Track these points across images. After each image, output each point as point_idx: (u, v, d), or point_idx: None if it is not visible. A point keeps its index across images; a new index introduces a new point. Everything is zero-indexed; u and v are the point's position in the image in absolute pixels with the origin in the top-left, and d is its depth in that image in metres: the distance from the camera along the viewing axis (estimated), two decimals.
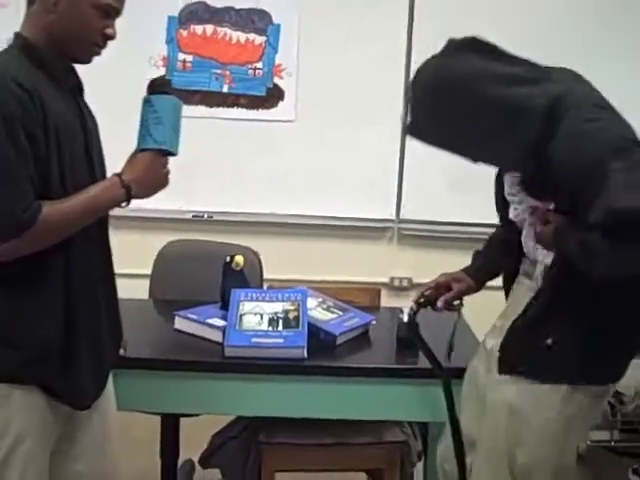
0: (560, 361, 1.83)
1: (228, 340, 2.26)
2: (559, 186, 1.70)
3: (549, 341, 1.82)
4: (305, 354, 2.26)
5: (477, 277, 2.28)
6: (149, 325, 2.65)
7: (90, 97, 1.97)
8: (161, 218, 4.14)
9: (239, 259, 2.53)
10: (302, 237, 4.31)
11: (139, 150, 1.85)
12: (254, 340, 2.26)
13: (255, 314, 2.36)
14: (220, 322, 2.40)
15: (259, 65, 4.32)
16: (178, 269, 3.06)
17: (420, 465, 2.66)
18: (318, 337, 2.38)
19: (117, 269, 1.96)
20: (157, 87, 1.91)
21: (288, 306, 2.41)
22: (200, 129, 4.28)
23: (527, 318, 1.89)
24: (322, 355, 2.34)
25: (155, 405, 2.37)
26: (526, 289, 1.98)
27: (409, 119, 1.84)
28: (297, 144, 4.28)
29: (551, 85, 1.74)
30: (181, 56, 4.30)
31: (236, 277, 2.53)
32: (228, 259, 2.54)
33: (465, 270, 2.30)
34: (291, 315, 2.36)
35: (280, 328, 2.32)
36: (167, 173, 1.88)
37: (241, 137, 4.28)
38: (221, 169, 4.27)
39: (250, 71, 4.32)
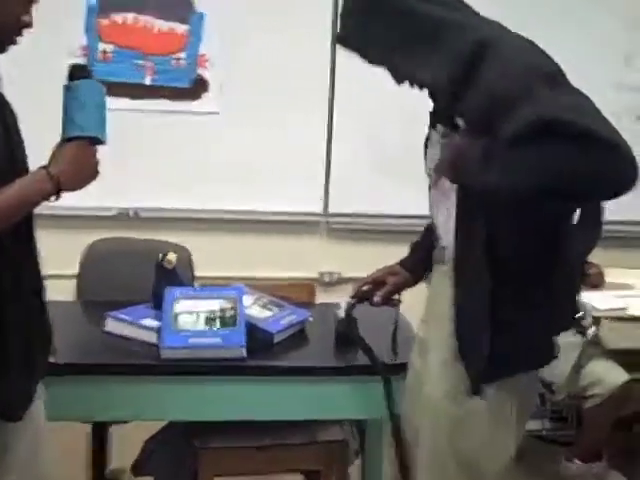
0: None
1: (164, 341, 2.17)
2: (481, 112, 1.62)
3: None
4: (244, 353, 2.18)
5: (414, 270, 2.21)
6: (78, 328, 2.52)
7: (8, 90, 1.84)
8: (83, 216, 4.00)
9: (171, 257, 2.44)
10: (231, 233, 4.22)
11: (64, 140, 1.74)
12: (191, 341, 2.18)
13: (191, 313, 2.27)
14: (154, 323, 2.30)
15: (182, 55, 4.20)
16: (106, 269, 2.95)
17: (358, 463, 2.63)
18: (255, 336, 2.30)
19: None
20: (77, 72, 1.79)
21: (225, 304, 2.33)
22: (123, 122, 4.14)
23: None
24: (260, 354, 2.27)
25: (87, 413, 2.26)
26: (442, 275, 1.91)
27: (339, 29, 1.81)
28: (222, 137, 4.19)
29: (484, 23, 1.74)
30: (101, 46, 4.15)
31: (169, 276, 2.44)
32: (160, 257, 2.44)
33: (402, 263, 2.24)
34: (228, 313, 2.28)
35: (217, 327, 2.24)
36: (97, 163, 1.77)
37: (165, 130, 4.16)
38: (145, 164, 4.14)
39: (173, 62, 4.20)
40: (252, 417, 2.27)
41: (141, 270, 2.88)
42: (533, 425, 3.41)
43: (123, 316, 2.35)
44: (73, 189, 1.72)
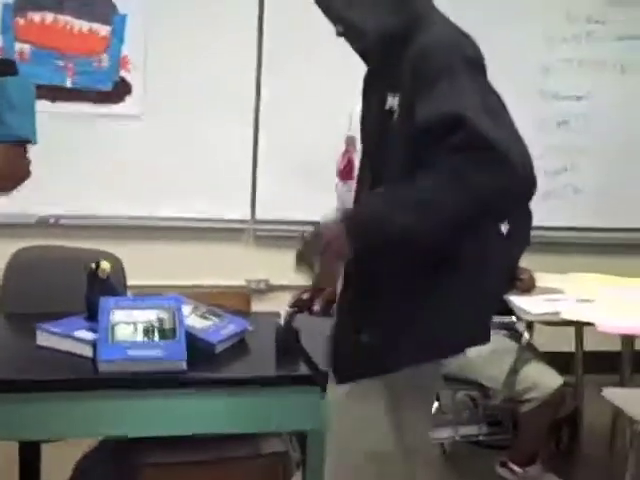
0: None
1: (101, 354, 2.06)
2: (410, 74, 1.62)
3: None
4: (185, 366, 2.09)
5: None
6: (5, 343, 2.38)
7: None
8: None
9: (105, 266, 2.33)
10: (155, 239, 4.12)
11: None
12: (130, 353, 2.08)
13: (128, 324, 2.17)
14: (88, 335, 2.19)
15: (104, 57, 4.08)
16: (31, 279, 2.80)
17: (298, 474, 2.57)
18: (195, 346, 2.22)
19: None
20: (3, 68, 1.70)
21: (162, 314, 2.23)
22: (42, 126, 3.99)
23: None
24: (201, 366, 2.17)
25: (16, 432, 2.12)
26: None
27: None
28: (146, 141, 4.10)
29: None
30: (18, 46, 4.00)
31: (102, 285, 2.33)
32: (93, 266, 2.33)
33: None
34: (167, 325, 2.19)
35: (156, 338, 2.14)
36: (28, 163, 1.70)
37: (87, 134, 4.03)
38: (66, 168, 4.00)
39: (95, 63, 4.07)
40: (194, 431, 2.18)
41: (68, 280, 2.77)
42: (469, 430, 3.40)
43: (55, 329, 2.23)
44: (3, 191, 1.66)
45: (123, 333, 2.14)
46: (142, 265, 3.50)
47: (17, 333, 2.45)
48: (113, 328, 2.15)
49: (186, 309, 2.37)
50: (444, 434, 3.33)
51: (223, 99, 4.07)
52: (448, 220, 1.51)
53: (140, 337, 2.13)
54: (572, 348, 3.52)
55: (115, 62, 4.07)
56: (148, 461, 2.33)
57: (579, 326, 3.31)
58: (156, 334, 2.15)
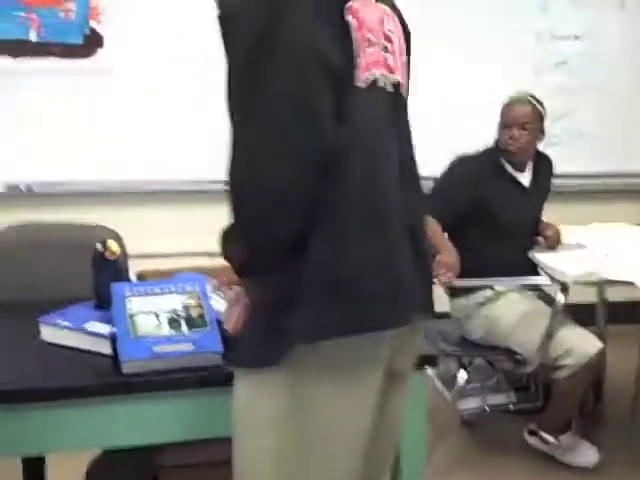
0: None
1: (123, 354, 1.79)
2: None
3: None
4: (221, 360, 1.83)
5: None
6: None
7: None
8: None
9: (113, 246, 2.04)
10: (138, 205, 3.81)
11: None
12: (156, 350, 1.81)
13: (149, 313, 1.89)
14: (102, 327, 1.90)
15: (71, 7, 3.71)
16: (14, 262, 2.48)
17: None
18: (224, 333, 1.94)
19: None
20: None
21: (187, 300, 1.95)
22: (5, 84, 3.66)
23: None
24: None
25: (29, 446, 1.82)
26: None
27: None
28: (120, 98, 3.76)
29: None
30: None
31: (111, 268, 2.04)
32: (100, 247, 2.03)
33: None
34: (194, 312, 1.91)
35: (185, 330, 1.87)
36: None
37: (55, 91, 3.69)
38: (34, 130, 3.66)
39: (61, 14, 3.70)
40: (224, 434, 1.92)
41: (60, 261, 2.48)
42: (498, 399, 3.21)
43: (63, 321, 1.94)
44: None
45: (145, 325, 1.85)
46: (132, 233, 3.22)
47: (11, 327, 2.13)
48: (133, 320, 1.86)
49: (207, 289, 2.09)
50: (472, 404, 3.13)
51: (202, 48, 3.72)
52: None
53: (166, 330, 1.86)
54: (587, 298, 3.32)
55: (84, 13, 3.71)
56: (172, 463, 2.11)
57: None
58: (183, 325, 1.88)
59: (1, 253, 2.48)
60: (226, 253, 1.51)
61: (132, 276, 2.37)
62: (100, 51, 3.75)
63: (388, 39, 1.48)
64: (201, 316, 1.91)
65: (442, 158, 3.03)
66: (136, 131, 3.77)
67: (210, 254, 3.48)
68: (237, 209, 1.39)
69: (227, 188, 1.38)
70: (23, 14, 3.66)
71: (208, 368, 1.81)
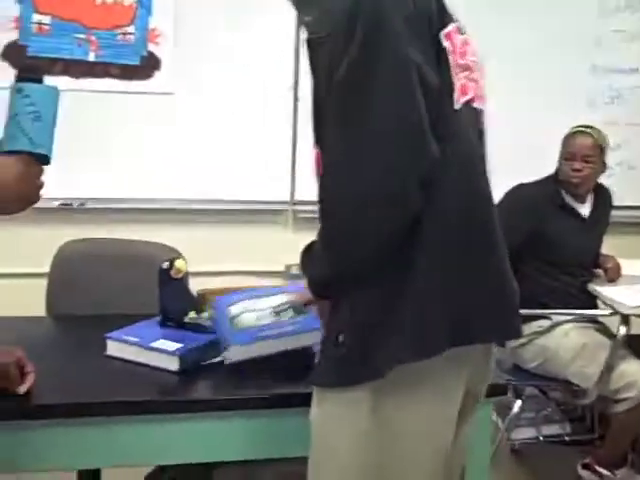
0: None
1: (227, 340, 1.81)
2: None
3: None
4: None
5: None
6: (62, 351, 2.08)
7: None
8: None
9: (180, 265, 2.05)
10: (188, 224, 3.82)
11: (5, 151, 1.40)
12: (260, 334, 1.82)
13: (252, 311, 1.90)
14: (169, 344, 1.91)
15: (130, 29, 3.76)
16: (79, 276, 2.51)
17: None
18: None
19: None
20: (29, 72, 1.45)
21: (288, 297, 1.94)
22: (65, 103, 3.69)
23: None
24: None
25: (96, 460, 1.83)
26: None
27: None
28: (177, 119, 3.78)
29: None
30: (37, 17, 3.66)
31: (177, 286, 2.05)
32: (165, 265, 2.04)
33: None
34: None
35: (288, 315, 1.87)
36: (41, 186, 1.45)
37: (112, 112, 3.72)
38: (90, 149, 3.69)
39: (119, 36, 3.75)
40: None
41: (121, 277, 2.51)
42: (552, 430, 3.16)
43: (129, 337, 1.94)
44: (9, 212, 1.41)
45: (247, 320, 1.87)
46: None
47: (76, 341, 2.14)
48: (234, 319, 1.88)
49: None
50: (525, 434, 3.09)
51: (259, 72, 3.77)
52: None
53: (268, 320, 1.86)
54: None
55: (142, 35, 3.75)
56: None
57: None
58: (288, 312, 1.88)
59: (62, 266, 2.51)
60: (310, 271, 1.50)
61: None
62: (157, 73, 3.78)
63: (472, 66, 1.50)
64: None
65: (496, 189, 3.01)
66: (190, 151, 3.79)
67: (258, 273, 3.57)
68: (337, 222, 1.37)
69: (326, 205, 1.38)
70: (83, 36, 3.71)
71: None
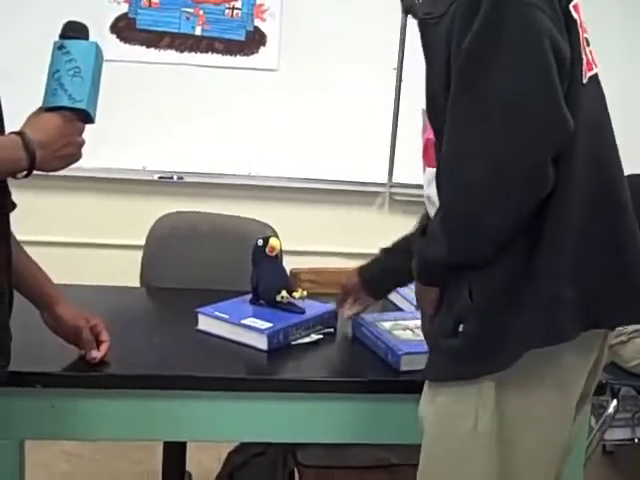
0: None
1: (400, 350, 1.78)
2: None
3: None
4: None
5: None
6: (153, 322, 2.11)
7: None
8: (117, 179, 3.63)
9: (274, 243, 2.04)
10: (284, 202, 3.83)
11: (47, 108, 1.37)
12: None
13: (403, 329, 1.89)
14: (260, 322, 1.90)
15: (237, 4, 3.77)
16: (173, 250, 2.53)
17: None
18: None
19: None
20: (73, 31, 1.41)
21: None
22: (169, 77, 3.74)
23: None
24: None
25: (182, 432, 1.84)
26: None
27: None
28: (280, 96, 3.78)
29: None
30: None
31: (271, 264, 2.04)
32: (260, 242, 2.04)
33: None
34: None
35: None
36: (83, 143, 1.39)
37: (216, 87, 3.75)
38: (191, 123, 3.73)
39: (227, 11, 3.77)
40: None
41: (215, 252, 2.52)
42: (622, 434, 3.07)
43: (220, 313, 1.95)
44: (50, 169, 1.35)
45: (405, 335, 1.86)
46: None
47: (169, 314, 2.16)
48: (391, 333, 1.88)
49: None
50: (619, 434, 2.99)
51: (364, 51, 3.73)
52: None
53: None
54: None
55: (249, 10, 3.76)
56: (310, 462, 2.09)
57: None
58: None
59: (158, 239, 2.53)
60: (426, 255, 1.43)
61: None
62: (262, 49, 3.78)
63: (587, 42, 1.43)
64: None
65: None
66: (289, 129, 3.78)
67: (351, 255, 3.55)
68: (465, 199, 1.30)
69: (452, 180, 1.32)
70: (191, 10, 3.74)
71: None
